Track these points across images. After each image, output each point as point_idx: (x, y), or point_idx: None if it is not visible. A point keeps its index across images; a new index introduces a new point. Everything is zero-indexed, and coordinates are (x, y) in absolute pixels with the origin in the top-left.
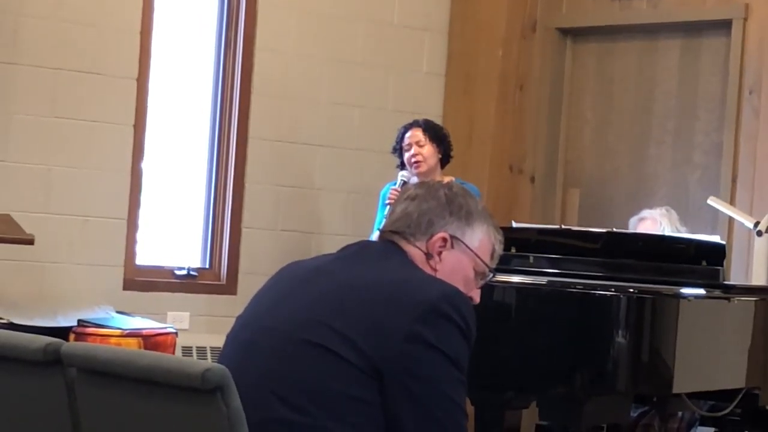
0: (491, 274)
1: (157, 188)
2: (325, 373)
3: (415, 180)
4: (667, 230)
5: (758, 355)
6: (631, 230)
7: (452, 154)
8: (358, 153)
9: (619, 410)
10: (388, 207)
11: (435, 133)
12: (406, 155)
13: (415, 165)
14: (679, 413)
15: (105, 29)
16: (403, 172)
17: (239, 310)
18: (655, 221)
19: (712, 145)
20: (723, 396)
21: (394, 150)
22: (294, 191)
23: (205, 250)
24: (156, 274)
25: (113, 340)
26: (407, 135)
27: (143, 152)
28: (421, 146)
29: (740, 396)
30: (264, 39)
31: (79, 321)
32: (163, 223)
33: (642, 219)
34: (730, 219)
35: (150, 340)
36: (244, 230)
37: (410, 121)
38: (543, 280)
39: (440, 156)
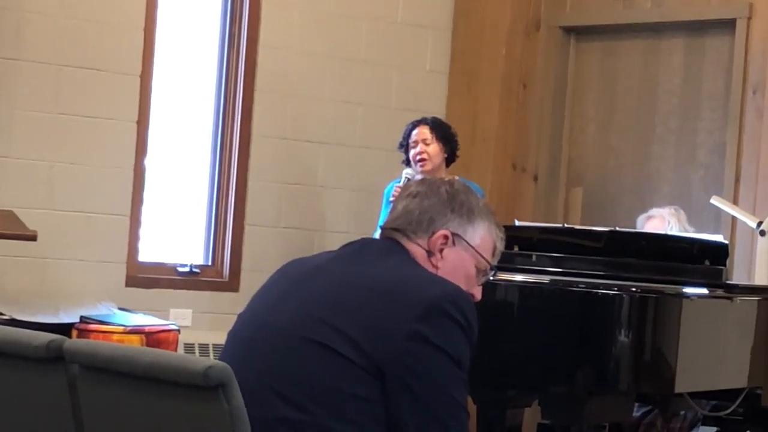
0: (493, 271)
1: (159, 185)
2: (325, 372)
3: (419, 178)
4: (675, 229)
5: (760, 354)
6: (638, 228)
7: (458, 153)
8: (361, 151)
9: (621, 409)
10: (391, 205)
11: (442, 132)
12: (412, 152)
13: (420, 162)
14: (682, 413)
15: (108, 26)
16: (408, 170)
17: (241, 307)
18: (663, 220)
19: (716, 144)
20: (725, 395)
21: (401, 146)
22: (297, 188)
23: (207, 247)
24: (158, 271)
25: (115, 336)
26: (414, 132)
27: (146, 149)
28: (427, 144)
29: (743, 395)
30: (267, 36)
31: (81, 317)
32: (165, 220)
33: (650, 217)
34: (733, 218)
35: (152, 337)
36: (246, 227)
37: (418, 118)
38: (546, 278)
39: (446, 155)
